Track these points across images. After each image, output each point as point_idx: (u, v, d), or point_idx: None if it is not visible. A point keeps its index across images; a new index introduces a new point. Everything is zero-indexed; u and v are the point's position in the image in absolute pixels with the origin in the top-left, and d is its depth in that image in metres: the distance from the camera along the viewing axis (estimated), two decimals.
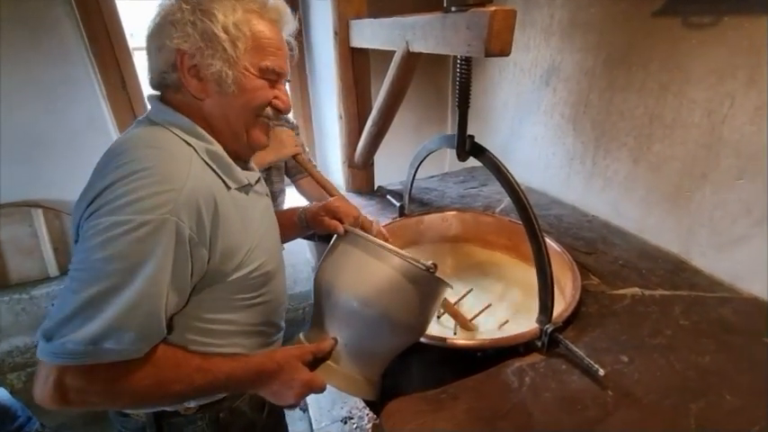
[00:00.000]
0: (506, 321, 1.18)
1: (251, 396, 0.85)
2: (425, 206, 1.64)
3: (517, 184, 0.88)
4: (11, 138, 1.78)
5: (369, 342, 0.80)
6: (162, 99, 0.72)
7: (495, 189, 1.77)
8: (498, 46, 0.81)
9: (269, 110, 0.75)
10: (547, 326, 0.88)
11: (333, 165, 2.34)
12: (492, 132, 1.94)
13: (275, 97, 0.74)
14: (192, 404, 0.78)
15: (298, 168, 1.52)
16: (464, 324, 1.17)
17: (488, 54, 0.81)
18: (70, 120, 1.84)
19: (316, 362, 0.77)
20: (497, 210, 1.57)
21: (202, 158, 0.67)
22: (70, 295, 0.56)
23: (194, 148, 0.67)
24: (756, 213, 1.02)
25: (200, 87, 0.68)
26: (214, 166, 0.68)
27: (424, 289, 0.81)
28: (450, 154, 2.44)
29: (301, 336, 0.85)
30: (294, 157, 1.20)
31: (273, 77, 0.72)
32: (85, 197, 0.61)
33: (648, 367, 0.84)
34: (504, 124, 1.87)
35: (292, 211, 1.04)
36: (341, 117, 1.67)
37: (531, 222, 0.85)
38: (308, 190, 1.53)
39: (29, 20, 1.65)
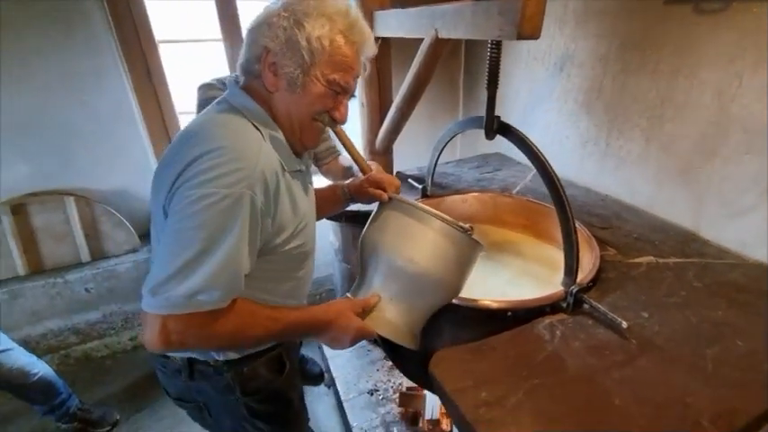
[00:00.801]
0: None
1: (269, 358, 0.96)
2: (444, 189, 1.72)
3: (542, 153, 0.96)
4: (45, 128, 1.85)
5: (412, 297, 0.89)
6: (242, 83, 0.82)
7: (509, 173, 1.85)
8: (529, 30, 0.88)
9: (326, 117, 0.83)
10: (572, 287, 0.97)
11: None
12: (505, 120, 2.01)
13: (335, 108, 0.83)
14: (221, 357, 0.89)
15: (325, 153, 1.60)
16: (362, 165, 1.18)
17: (520, 37, 0.89)
18: (99, 110, 1.91)
19: (363, 315, 0.87)
20: (514, 191, 1.65)
21: (267, 142, 0.77)
22: (170, 258, 0.67)
23: (261, 133, 0.77)
24: (763, 184, 1.10)
25: (273, 82, 0.78)
26: (275, 151, 0.78)
27: (462, 249, 0.90)
28: (461, 141, 2.52)
29: (349, 294, 0.94)
30: (335, 131, 1.25)
31: (338, 90, 0.80)
32: (171, 168, 0.70)
33: (667, 321, 0.93)
34: (516, 112, 1.95)
35: (333, 187, 1.13)
36: (363, 105, 1.74)
37: (556, 188, 0.94)
38: (335, 172, 1.60)
39: (63, 13, 1.72)
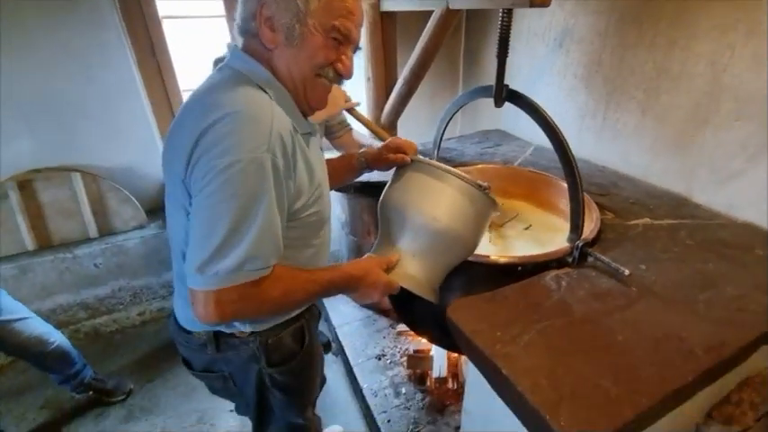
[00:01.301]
0: (529, 225, 1.37)
1: (294, 329, 0.97)
2: (449, 163, 1.77)
3: (550, 117, 1.02)
4: (47, 103, 1.85)
5: (434, 253, 0.95)
6: (241, 46, 0.79)
7: (510, 148, 1.92)
8: None
9: (330, 71, 0.79)
10: (578, 242, 1.04)
11: (357, 125, 2.46)
12: None
13: (338, 60, 0.78)
14: (248, 329, 0.89)
15: (337, 127, 1.63)
16: (382, 135, 1.33)
17: (533, 5, 0.94)
18: (103, 85, 1.91)
19: (387, 271, 0.92)
20: (515, 164, 1.71)
21: (277, 104, 0.75)
22: (209, 233, 0.66)
23: (269, 94, 0.75)
24: (751, 149, 1.18)
25: (271, 37, 0.74)
26: (285, 111, 0.76)
27: (480, 206, 0.97)
28: (462, 119, 2.57)
29: (371, 253, 1.00)
30: (350, 111, 1.30)
31: (339, 38, 0.76)
32: (184, 137, 0.69)
33: (663, 272, 1.01)
34: (518, 87, 2.00)
35: (349, 155, 1.16)
36: (369, 80, 1.78)
37: (564, 148, 1.01)
38: (350, 146, 1.64)
39: None
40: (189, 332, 0.91)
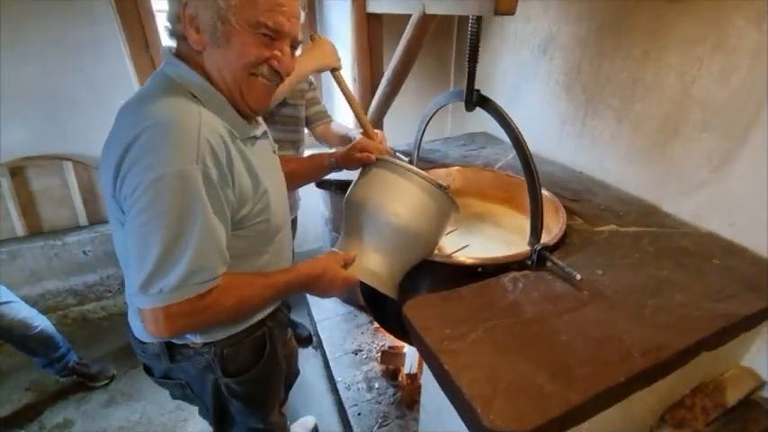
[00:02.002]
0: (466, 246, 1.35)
1: (254, 338, 0.93)
2: (431, 164, 1.80)
3: (514, 123, 1.05)
4: (41, 94, 1.89)
5: (394, 248, 0.99)
6: (176, 51, 0.76)
7: (493, 151, 1.94)
8: (505, 6, 0.96)
9: (264, 68, 0.75)
10: (536, 245, 1.07)
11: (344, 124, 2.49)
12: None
13: (272, 57, 0.74)
14: (200, 340, 0.86)
15: (316, 117, 1.66)
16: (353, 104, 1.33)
17: (497, 13, 0.97)
18: (96, 77, 1.95)
19: (345, 267, 0.95)
20: (496, 167, 1.74)
21: (209, 110, 0.72)
22: (146, 251, 0.65)
23: (201, 101, 0.72)
24: (715, 161, 1.20)
25: (197, 39, 0.70)
26: (218, 116, 0.73)
27: (440, 205, 1.00)
28: (452, 120, 2.59)
29: (335, 248, 1.03)
30: (332, 71, 1.30)
31: (270, 34, 0.72)
32: (112, 149, 0.67)
33: (617, 277, 1.04)
34: (504, 92, 2.03)
35: (320, 155, 1.18)
36: (355, 80, 1.81)
37: (524, 153, 1.03)
38: (326, 135, 1.66)
39: None
40: (143, 342, 0.89)
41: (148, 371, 0.97)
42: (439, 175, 1.70)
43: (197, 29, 0.70)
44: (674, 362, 0.83)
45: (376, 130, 1.40)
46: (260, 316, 0.93)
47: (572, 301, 0.96)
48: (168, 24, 0.74)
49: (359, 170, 1.18)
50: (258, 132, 0.83)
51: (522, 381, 0.75)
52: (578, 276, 0.98)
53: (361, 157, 1.07)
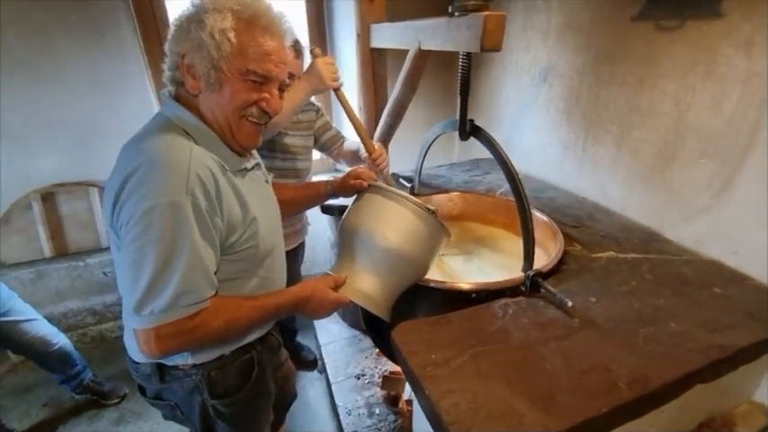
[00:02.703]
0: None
1: (242, 361, 0.96)
2: (433, 189, 1.84)
3: (505, 153, 1.08)
4: (74, 125, 2.05)
5: (385, 270, 1.02)
6: (174, 94, 0.84)
7: (497, 176, 1.96)
8: (491, 43, 1.01)
9: (254, 110, 0.82)
10: (529, 271, 1.08)
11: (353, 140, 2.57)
12: (496, 126, 2.14)
13: (261, 99, 0.81)
14: (190, 361, 0.89)
15: (331, 142, 1.72)
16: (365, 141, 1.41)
17: (483, 49, 1.02)
18: (124, 110, 2.10)
19: (336, 289, 0.98)
20: (497, 193, 1.76)
21: (200, 146, 0.79)
22: (138, 275, 0.71)
23: (194, 138, 0.79)
24: (716, 187, 1.19)
25: (193, 84, 0.79)
26: (211, 152, 0.80)
27: (429, 229, 1.04)
28: (459, 146, 2.64)
29: (329, 270, 1.07)
30: (335, 91, 1.37)
31: (259, 80, 0.79)
32: (112, 184, 0.74)
33: (611, 305, 1.03)
34: (507, 118, 2.07)
35: (318, 183, 1.24)
36: (360, 109, 1.89)
37: (514, 181, 1.05)
38: (345, 157, 1.71)
39: (95, 23, 1.92)
40: (137, 362, 0.92)
41: (142, 391, 1.00)
42: (440, 200, 1.73)
43: (193, 76, 0.78)
44: (664, 394, 0.81)
45: (376, 143, 1.47)
46: (248, 339, 0.97)
47: (561, 328, 0.95)
48: (167, 71, 0.82)
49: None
50: (249, 165, 0.89)
51: (502, 408, 0.75)
52: (570, 303, 0.98)
53: (354, 184, 1.12)
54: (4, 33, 1.81)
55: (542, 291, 1.07)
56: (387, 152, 1.98)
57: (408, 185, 1.72)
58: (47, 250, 2.11)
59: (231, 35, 0.75)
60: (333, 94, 1.39)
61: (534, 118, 1.87)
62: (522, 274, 1.10)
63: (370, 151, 1.46)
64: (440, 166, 2.17)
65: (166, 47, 0.81)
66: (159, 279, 0.71)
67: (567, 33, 1.60)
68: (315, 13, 2.40)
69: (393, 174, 2.08)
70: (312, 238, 1.98)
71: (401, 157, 2.11)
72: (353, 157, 1.67)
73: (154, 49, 2.08)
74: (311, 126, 1.66)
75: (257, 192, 0.91)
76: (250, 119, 0.82)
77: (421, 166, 1.62)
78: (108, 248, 2.19)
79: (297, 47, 1.44)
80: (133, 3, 1.95)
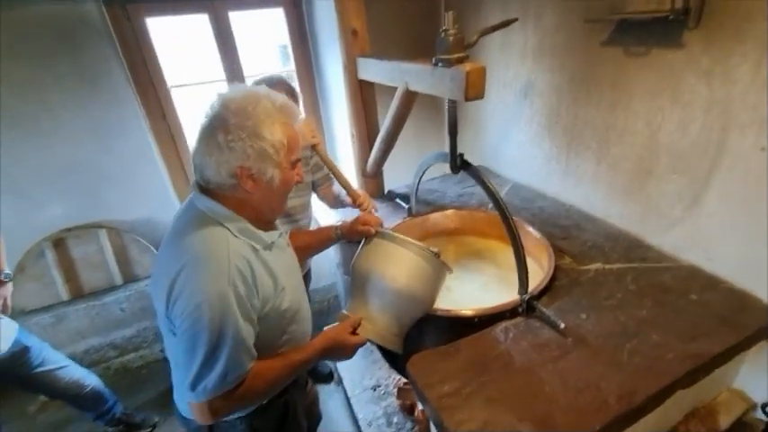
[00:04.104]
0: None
1: (278, 405, 1.08)
2: (429, 205, 1.94)
3: (496, 191, 1.18)
4: (76, 170, 2.11)
5: (395, 308, 1.13)
6: (209, 189, 0.91)
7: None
8: (474, 94, 1.10)
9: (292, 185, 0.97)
10: (524, 295, 1.19)
11: (346, 173, 2.65)
12: (484, 137, 2.23)
13: (298, 174, 0.98)
14: (235, 415, 1.01)
15: (321, 181, 1.82)
16: (350, 191, 1.59)
17: (467, 100, 1.11)
18: (123, 153, 2.16)
19: (354, 331, 1.10)
20: (490, 205, 1.86)
21: (235, 235, 0.89)
22: (192, 357, 0.83)
23: (229, 229, 0.89)
24: (687, 200, 1.30)
25: (254, 187, 0.89)
26: (244, 238, 0.91)
27: (433, 269, 1.15)
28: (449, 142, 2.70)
29: (344, 310, 1.18)
30: (313, 147, 1.51)
31: (296, 162, 0.95)
32: (163, 280, 0.85)
33: (600, 321, 1.15)
34: (494, 130, 2.16)
35: (328, 228, 1.35)
36: (353, 136, 1.97)
37: (507, 221, 1.16)
38: (328, 197, 1.85)
39: (86, 73, 1.97)
40: (187, 419, 1.04)
41: None
42: (436, 218, 1.84)
43: (253, 179, 0.88)
44: (648, 404, 0.93)
45: (360, 191, 1.61)
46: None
47: (557, 349, 1.07)
48: (210, 176, 0.88)
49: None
50: (275, 237, 0.99)
51: None
52: (562, 325, 1.10)
53: (362, 230, 1.23)
54: None
55: (537, 311, 1.19)
56: (382, 174, 2.08)
57: (406, 206, 1.82)
58: (63, 294, 2.19)
59: (284, 140, 0.88)
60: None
61: (519, 132, 1.96)
62: (519, 297, 1.22)
63: (354, 198, 1.60)
64: (433, 179, 2.26)
65: (205, 159, 0.86)
66: (209, 361, 0.83)
67: (542, 55, 1.69)
68: (301, 51, 2.46)
69: (389, 191, 2.18)
70: (318, 255, 2.07)
71: (395, 173, 2.19)
72: (336, 199, 1.82)
73: (146, 90, 2.13)
74: (307, 163, 1.74)
75: (283, 261, 1.02)
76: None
77: (416, 191, 1.72)
78: (122, 286, 2.29)
79: (294, 93, 1.53)
80: (122, 49, 1.99)
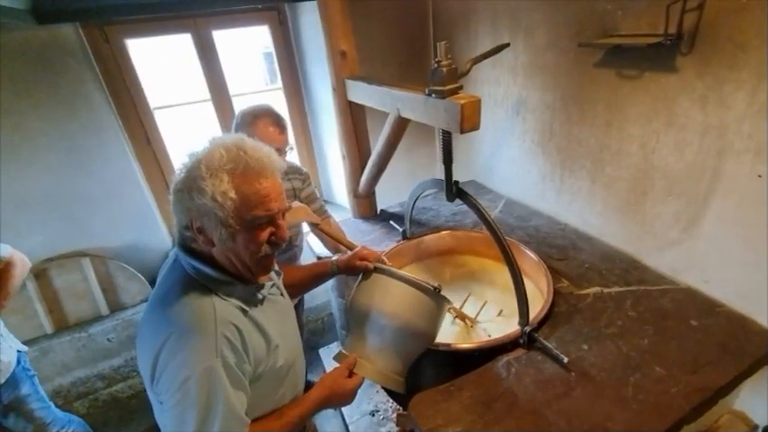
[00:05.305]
0: (501, 311, 1.48)
1: None
2: (423, 226, 1.91)
3: (495, 223, 1.16)
4: (57, 198, 2.03)
5: (396, 346, 1.10)
6: (187, 246, 0.88)
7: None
8: (470, 126, 1.08)
9: (267, 247, 0.86)
10: (525, 327, 1.17)
11: (338, 193, 2.62)
12: (476, 153, 2.21)
13: (271, 234, 0.86)
14: None
15: (316, 212, 1.77)
16: (468, 320, 1.48)
17: (462, 132, 1.08)
18: (106, 178, 2.08)
19: (350, 373, 1.06)
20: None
21: (222, 298, 0.84)
22: (183, 428, 0.77)
23: (215, 292, 0.84)
24: (683, 222, 1.30)
25: (206, 240, 0.83)
26: (233, 300, 0.86)
27: (433, 303, 1.11)
28: (441, 167, 2.68)
29: (342, 349, 1.14)
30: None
31: (264, 221, 0.84)
32: (147, 352, 0.80)
33: (602, 352, 1.13)
34: (486, 146, 2.15)
35: (324, 263, 1.30)
36: (344, 157, 1.93)
37: (506, 253, 1.14)
38: (322, 234, 1.79)
39: (64, 97, 1.89)
40: None
41: None
42: (431, 239, 1.81)
43: (205, 235, 0.83)
44: None
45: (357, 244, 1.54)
46: None
47: (561, 385, 1.05)
48: (178, 228, 0.87)
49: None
50: (266, 292, 0.95)
51: None
52: (566, 359, 1.08)
53: (360, 266, 1.19)
54: None
55: (538, 343, 1.17)
56: (375, 193, 2.05)
57: (400, 229, 1.79)
58: (47, 326, 2.10)
59: (231, 193, 0.79)
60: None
61: (511, 148, 1.95)
62: (520, 328, 1.20)
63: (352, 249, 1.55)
64: (426, 196, 2.23)
65: (171, 209, 0.85)
66: None
67: (534, 72, 1.68)
68: (288, 69, 2.41)
69: (382, 210, 2.15)
70: None
71: (386, 191, 2.16)
72: (334, 246, 1.72)
73: (127, 112, 2.07)
74: (295, 195, 1.68)
75: (276, 315, 0.97)
76: (266, 254, 0.87)
77: (410, 214, 1.69)
78: (108, 315, 2.21)
79: (280, 123, 1.48)
80: (101, 72, 1.92)
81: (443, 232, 1.82)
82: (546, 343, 1.14)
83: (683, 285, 1.34)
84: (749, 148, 1.07)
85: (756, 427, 1.25)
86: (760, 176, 1.07)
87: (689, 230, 1.29)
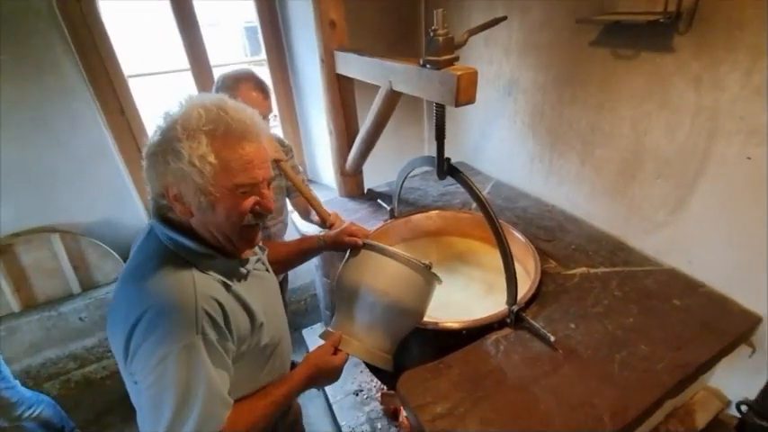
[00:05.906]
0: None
1: None
2: (411, 206, 1.88)
3: (487, 201, 1.14)
4: (22, 170, 1.90)
5: (385, 323, 1.08)
6: (163, 216, 0.82)
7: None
8: (465, 99, 1.04)
9: (250, 216, 0.81)
10: (513, 306, 1.16)
11: (323, 171, 2.55)
12: (464, 133, 2.18)
13: (256, 203, 0.80)
14: None
15: (293, 188, 1.72)
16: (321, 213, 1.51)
17: (458, 105, 1.05)
18: (77, 149, 1.96)
19: (335, 350, 1.03)
20: (474, 205, 1.83)
21: (202, 271, 0.78)
22: (159, 415, 0.71)
23: (195, 265, 0.78)
24: (671, 205, 1.31)
25: (184, 210, 0.77)
26: (214, 274, 0.80)
27: (423, 281, 1.09)
28: (429, 147, 2.66)
29: (329, 328, 1.11)
30: (276, 162, 1.38)
31: (248, 189, 0.78)
32: (120, 327, 0.74)
33: (589, 331, 1.14)
34: (475, 126, 2.12)
35: (310, 238, 1.26)
36: (331, 133, 1.87)
37: (497, 232, 1.12)
38: (299, 206, 1.75)
39: (30, 61, 1.75)
40: None
41: None
42: (419, 219, 1.79)
43: (182, 203, 0.77)
44: (640, 418, 0.93)
45: (331, 212, 1.51)
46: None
47: (548, 362, 1.05)
48: (153, 197, 0.80)
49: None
50: (250, 266, 0.89)
51: None
52: (553, 338, 1.08)
53: (349, 242, 1.15)
54: None
55: (526, 322, 1.17)
56: (362, 172, 2.00)
57: (388, 208, 1.75)
58: (14, 305, 1.99)
59: (211, 158, 0.73)
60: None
61: (501, 129, 1.93)
62: (507, 307, 1.19)
63: (324, 219, 1.51)
64: (414, 176, 2.20)
65: (144, 176, 0.78)
66: (179, 418, 0.72)
67: (528, 52, 1.64)
68: (272, 40, 2.30)
69: (369, 189, 2.10)
70: None
71: (373, 170, 2.12)
72: (306, 209, 1.67)
73: (99, 79, 1.93)
74: (282, 188, 1.63)
75: (261, 291, 0.92)
76: (249, 225, 0.82)
77: (399, 193, 1.65)
78: (80, 294, 2.12)
79: (264, 88, 1.41)
80: (71, 35, 1.79)
81: (432, 212, 1.79)
82: (533, 322, 1.14)
83: (666, 266, 1.36)
84: (741, 129, 1.07)
85: (729, 402, 1.30)
86: (749, 159, 1.08)
87: (676, 213, 1.30)
